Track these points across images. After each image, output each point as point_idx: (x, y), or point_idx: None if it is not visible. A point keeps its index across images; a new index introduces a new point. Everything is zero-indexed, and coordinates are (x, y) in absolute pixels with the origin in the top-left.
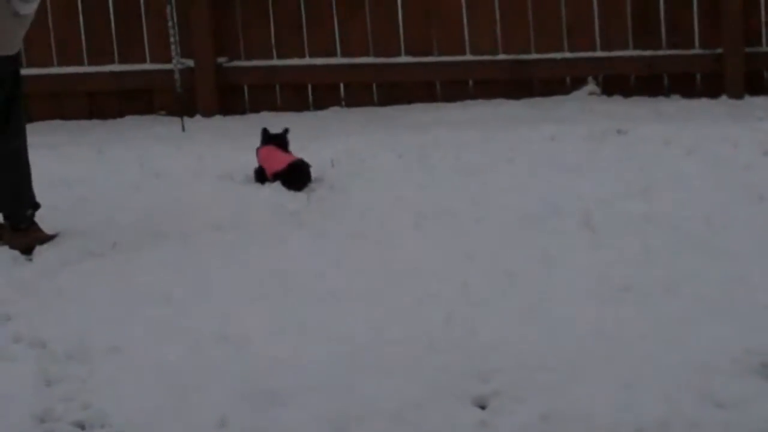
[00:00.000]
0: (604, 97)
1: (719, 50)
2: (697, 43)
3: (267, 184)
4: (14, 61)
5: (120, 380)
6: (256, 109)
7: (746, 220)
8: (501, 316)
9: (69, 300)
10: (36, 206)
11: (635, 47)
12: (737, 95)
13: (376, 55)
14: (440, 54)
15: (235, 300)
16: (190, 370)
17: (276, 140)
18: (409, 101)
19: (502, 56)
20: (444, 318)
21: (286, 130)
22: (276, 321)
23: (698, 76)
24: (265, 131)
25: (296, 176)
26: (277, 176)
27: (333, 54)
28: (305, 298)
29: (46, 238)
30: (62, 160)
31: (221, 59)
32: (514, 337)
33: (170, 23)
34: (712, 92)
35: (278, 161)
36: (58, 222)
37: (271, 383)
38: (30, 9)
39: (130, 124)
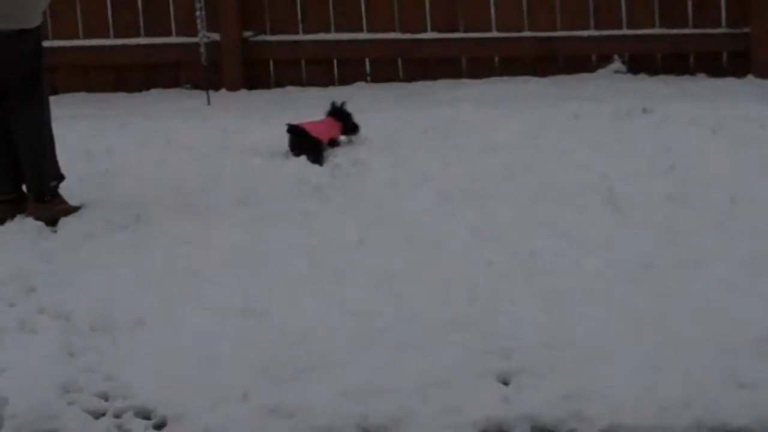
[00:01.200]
0: (630, 75)
1: (746, 29)
2: (723, 22)
3: (294, 157)
4: (36, 33)
5: (143, 352)
6: (281, 84)
7: None
8: (524, 294)
9: (93, 272)
10: (61, 178)
11: (661, 25)
12: (764, 74)
13: (402, 30)
14: (466, 30)
15: (259, 273)
16: (213, 343)
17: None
18: (435, 77)
19: (527, 33)
20: (467, 295)
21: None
22: (299, 295)
23: (725, 55)
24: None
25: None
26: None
27: (359, 29)
28: (329, 274)
29: (70, 210)
30: (87, 133)
31: (247, 33)
32: (537, 315)
33: None
34: (739, 71)
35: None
36: (83, 194)
37: (294, 357)
38: None
39: (155, 97)
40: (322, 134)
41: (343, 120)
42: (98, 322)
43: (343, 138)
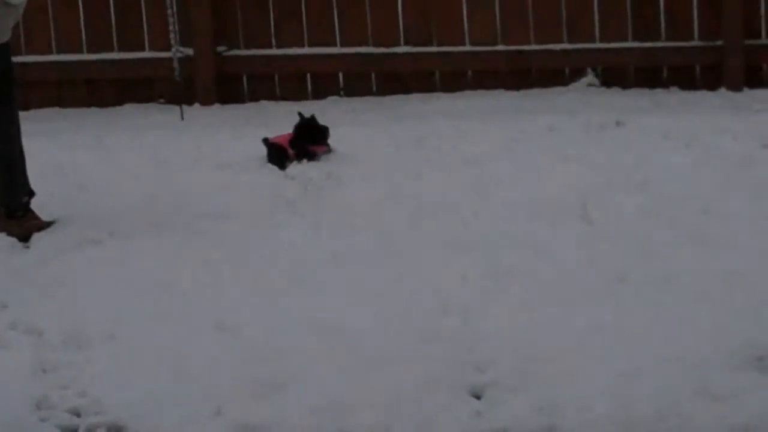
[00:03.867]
0: (603, 89)
1: (719, 42)
2: (696, 35)
3: (267, 172)
4: (5, 49)
5: (116, 368)
6: (255, 98)
7: (744, 212)
8: (498, 308)
9: (66, 287)
10: (31, 194)
11: (634, 39)
12: (736, 87)
13: (375, 44)
14: (439, 44)
15: (232, 289)
16: (186, 359)
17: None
18: (408, 91)
19: (501, 47)
20: (441, 309)
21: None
22: (273, 310)
23: (697, 68)
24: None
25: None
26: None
27: (332, 43)
28: (302, 288)
29: (43, 226)
30: (61, 148)
31: (220, 48)
32: (511, 329)
33: (169, 11)
34: (711, 84)
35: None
36: (56, 209)
37: (267, 372)
38: None
39: (129, 112)
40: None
41: (306, 132)
42: (71, 338)
43: (326, 149)
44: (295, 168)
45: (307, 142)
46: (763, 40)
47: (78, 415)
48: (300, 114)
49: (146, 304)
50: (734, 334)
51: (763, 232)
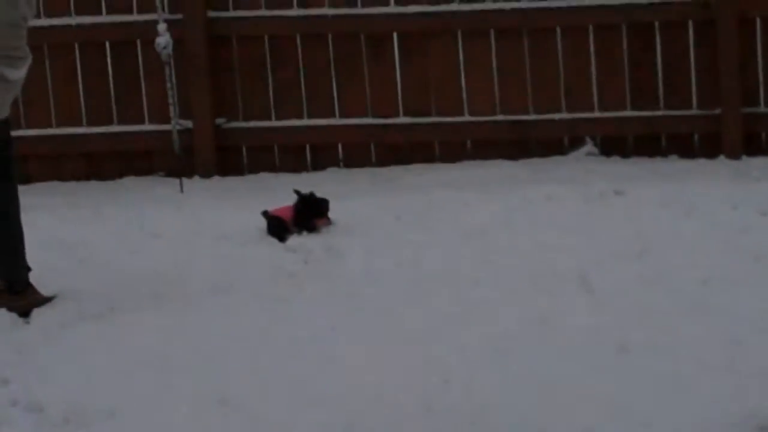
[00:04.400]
0: (602, 158)
1: (717, 111)
2: (695, 104)
3: (267, 244)
4: (4, 124)
5: None
6: (254, 170)
7: (744, 281)
8: (499, 378)
9: (67, 363)
10: (28, 269)
11: (633, 108)
12: (735, 156)
13: (374, 115)
14: (438, 114)
15: (234, 363)
16: None
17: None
18: (408, 162)
19: (500, 117)
20: (442, 380)
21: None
22: (275, 385)
23: (696, 137)
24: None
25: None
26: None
27: (331, 115)
28: (303, 362)
29: (43, 300)
30: (60, 222)
31: (220, 120)
32: (512, 399)
33: (168, 84)
34: (710, 153)
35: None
36: (56, 284)
37: None
38: (19, 75)
39: (128, 185)
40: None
41: (307, 207)
42: (72, 414)
43: (326, 221)
44: (295, 240)
45: (309, 216)
46: (762, 108)
47: None
48: (297, 192)
49: (148, 379)
50: (736, 403)
51: (764, 301)
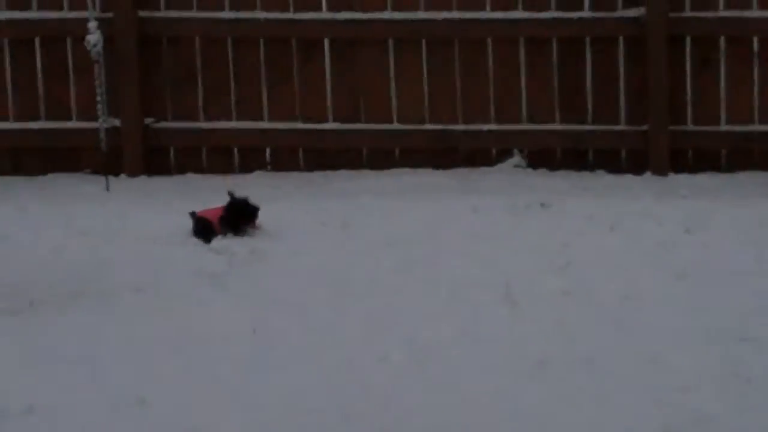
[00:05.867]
0: (530, 170)
1: (645, 127)
2: (623, 120)
3: (192, 245)
4: None
5: None
6: (182, 171)
7: (665, 297)
8: (418, 388)
9: None
10: None
11: (562, 121)
12: (662, 172)
13: (304, 120)
14: (367, 121)
15: (153, 364)
16: None
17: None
18: (335, 167)
19: (428, 126)
20: (360, 388)
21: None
22: (191, 386)
23: (623, 152)
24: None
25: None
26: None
27: (260, 118)
28: (223, 364)
29: None
30: None
31: (148, 120)
32: (430, 410)
33: (97, 81)
34: (637, 168)
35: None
36: None
37: None
38: None
39: (54, 181)
40: (214, 218)
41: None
42: None
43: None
44: (219, 242)
45: (237, 220)
46: (689, 126)
47: None
48: (231, 194)
49: (66, 376)
50: (653, 419)
51: (685, 317)
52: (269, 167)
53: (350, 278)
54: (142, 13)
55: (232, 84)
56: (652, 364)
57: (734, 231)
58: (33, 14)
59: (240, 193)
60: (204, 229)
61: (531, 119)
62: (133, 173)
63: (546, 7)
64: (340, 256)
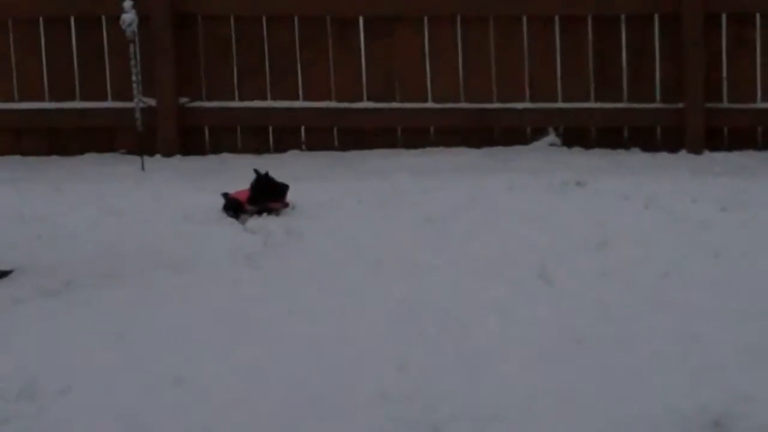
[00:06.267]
0: (565, 149)
1: (680, 104)
2: (658, 97)
3: (227, 225)
4: None
5: (71, 421)
6: (216, 150)
7: (702, 276)
8: (455, 366)
9: (21, 338)
10: None
11: (596, 99)
12: (697, 150)
13: (338, 99)
14: (402, 100)
15: (189, 342)
16: (143, 413)
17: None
18: (370, 147)
19: (463, 104)
20: (398, 367)
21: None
22: (230, 365)
23: (659, 130)
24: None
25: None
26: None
27: (295, 97)
28: (259, 343)
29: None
30: (20, 196)
31: (183, 99)
32: (468, 387)
33: (132, 61)
34: (672, 146)
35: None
36: (14, 258)
37: (224, 428)
38: None
39: (90, 161)
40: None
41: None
42: (25, 390)
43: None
44: (255, 222)
45: (265, 198)
46: (725, 104)
47: None
48: (256, 171)
49: (103, 356)
50: (690, 397)
51: (720, 295)
52: (303, 146)
53: (386, 256)
54: None
55: (267, 63)
56: (689, 342)
57: None
58: None
59: (270, 172)
60: (233, 207)
61: (566, 97)
62: (167, 153)
63: None
64: (376, 234)
